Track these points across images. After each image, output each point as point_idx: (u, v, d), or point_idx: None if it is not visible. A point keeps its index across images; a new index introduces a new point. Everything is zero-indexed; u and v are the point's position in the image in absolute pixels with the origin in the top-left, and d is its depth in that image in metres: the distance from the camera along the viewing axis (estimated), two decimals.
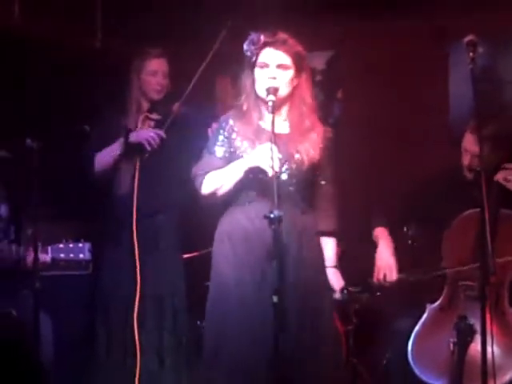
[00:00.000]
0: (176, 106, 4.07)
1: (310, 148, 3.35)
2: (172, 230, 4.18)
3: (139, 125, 4.13)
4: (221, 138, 3.37)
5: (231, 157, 3.34)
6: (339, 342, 3.47)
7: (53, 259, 3.59)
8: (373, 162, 5.00)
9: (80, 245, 3.60)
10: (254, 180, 3.27)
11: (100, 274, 4.12)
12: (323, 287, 3.41)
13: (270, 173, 3.12)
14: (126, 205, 4.02)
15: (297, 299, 3.23)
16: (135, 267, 3.97)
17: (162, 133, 4.00)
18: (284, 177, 3.30)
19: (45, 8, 4.60)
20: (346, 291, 3.64)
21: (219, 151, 3.36)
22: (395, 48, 5.04)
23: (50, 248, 3.59)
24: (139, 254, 4.00)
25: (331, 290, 3.50)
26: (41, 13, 4.60)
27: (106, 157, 4.06)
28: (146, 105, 4.18)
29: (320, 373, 3.27)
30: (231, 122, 3.37)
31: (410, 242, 4.34)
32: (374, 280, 3.90)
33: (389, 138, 4.99)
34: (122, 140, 4.00)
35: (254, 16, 4.59)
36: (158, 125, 4.13)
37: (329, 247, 3.50)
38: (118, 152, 4.02)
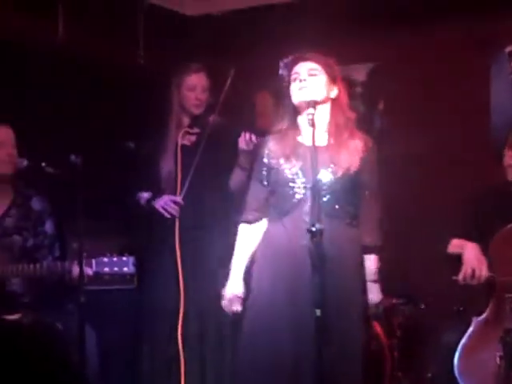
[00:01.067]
0: (211, 119, 4.10)
1: (348, 158, 3.34)
2: (216, 243, 4.16)
3: (179, 140, 4.16)
4: (261, 162, 3.40)
5: (269, 180, 3.37)
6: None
7: (96, 273, 3.59)
8: (416, 175, 4.96)
9: (124, 258, 3.60)
10: (285, 193, 3.29)
11: (144, 288, 4.15)
12: (357, 301, 3.37)
13: None
14: (169, 219, 4.07)
15: (332, 313, 3.19)
16: (179, 281, 4.00)
17: (178, 199, 4.05)
18: (321, 188, 3.29)
19: (88, 26, 4.67)
20: (381, 307, 3.54)
21: (263, 178, 3.39)
22: (436, 59, 5.01)
23: (94, 261, 3.59)
24: (183, 268, 4.03)
25: (365, 305, 3.44)
26: (84, 31, 4.67)
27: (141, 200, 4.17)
28: (186, 120, 4.21)
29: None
30: (270, 143, 3.40)
31: None
32: (460, 278, 3.67)
33: (430, 148, 4.95)
34: (144, 201, 4.12)
35: (293, 30, 4.63)
36: (199, 138, 4.16)
37: (369, 261, 3.45)
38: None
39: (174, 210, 4.05)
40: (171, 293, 4.01)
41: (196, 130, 4.19)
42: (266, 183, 3.39)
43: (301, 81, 3.29)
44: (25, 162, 3.75)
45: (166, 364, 4.03)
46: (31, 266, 3.63)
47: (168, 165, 4.13)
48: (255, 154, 3.66)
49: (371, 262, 3.45)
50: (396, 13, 4.93)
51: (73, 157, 3.39)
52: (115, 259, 3.60)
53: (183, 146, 4.16)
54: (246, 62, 5.17)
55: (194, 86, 4.16)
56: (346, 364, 3.23)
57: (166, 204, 4.05)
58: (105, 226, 4.34)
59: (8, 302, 3.70)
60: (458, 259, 3.73)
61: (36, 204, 3.91)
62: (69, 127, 4.37)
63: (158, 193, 4.14)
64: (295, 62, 3.35)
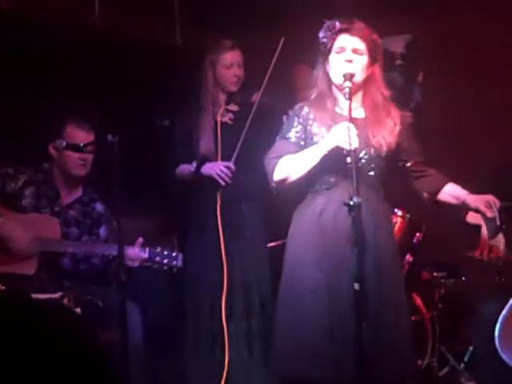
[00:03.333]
0: (255, 97, 4.10)
1: (387, 135, 3.34)
2: (258, 219, 4.21)
3: (218, 118, 4.17)
4: (295, 124, 3.36)
5: (306, 144, 3.33)
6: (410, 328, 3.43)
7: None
8: (457, 145, 4.91)
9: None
10: (332, 166, 3.25)
11: (187, 264, 4.15)
12: (398, 276, 3.39)
13: (347, 147, 3.10)
14: (211, 194, 4.11)
15: (375, 286, 3.22)
16: (221, 256, 4.04)
17: (231, 164, 4.04)
18: (363, 162, 3.30)
19: (124, 5, 4.68)
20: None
21: (293, 137, 3.35)
22: (477, 30, 4.92)
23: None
24: (225, 243, 4.06)
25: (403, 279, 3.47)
26: (120, 10, 4.68)
27: (184, 173, 4.16)
28: (223, 97, 4.21)
29: (397, 360, 3.25)
30: (306, 109, 3.36)
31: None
32: (477, 254, 3.69)
33: (473, 119, 4.89)
34: (193, 169, 4.08)
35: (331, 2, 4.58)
36: (238, 116, 4.18)
37: (454, 188, 3.46)
38: (189, 179, 4.11)
39: (228, 176, 4.04)
40: (214, 267, 4.06)
41: (234, 108, 4.21)
42: (294, 142, 3.34)
43: (346, 61, 3.26)
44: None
45: (210, 338, 4.08)
46: (87, 244, 3.82)
47: (207, 142, 4.15)
48: None
49: (454, 188, 3.46)
50: None
51: (109, 136, 3.43)
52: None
53: (223, 123, 4.18)
54: (283, 35, 5.15)
55: (231, 64, 4.17)
56: (389, 338, 3.23)
57: (221, 171, 4.03)
58: (143, 204, 4.38)
59: (58, 280, 3.82)
60: (476, 230, 3.67)
61: (99, 207, 4.03)
62: (105, 107, 4.40)
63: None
64: (340, 32, 3.29)
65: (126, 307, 3.29)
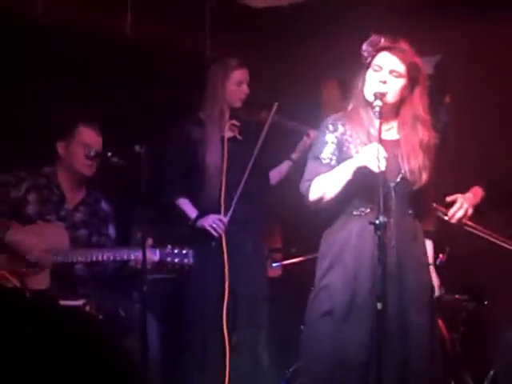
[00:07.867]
0: (264, 114, 4.18)
1: (417, 159, 3.29)
2: (259, 237, 4.36)
3: (225, 133, 4.23)
4: (329, 143, 3.30)
5: (339, 164, 3.27)
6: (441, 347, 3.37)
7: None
8: (485, 167, 4.89)
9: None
10: (366, 191, 3.20)
11: (191, 277, 4.18)
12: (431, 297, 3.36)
13: (376, 169, 3.07)
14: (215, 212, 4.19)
15: (398, 306, 3.19)
16: (224, 269, 4.12)
17: (224, 218, 4.14)
18: (395, 185, 3.26)
19: (156, 19, 4.71)
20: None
21: (326, 158, 3.30)
22: (507, 50, 4.91)
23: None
24: (228, 257, 4.14)
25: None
26: (152, 24, 4.72)
27: (182, 211, 4.26)
28: (227, 112, 4.28)
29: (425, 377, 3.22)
30: (341, 128, 3.30)
31: None
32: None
33: (501, 140, 4.87)
34: (190, 222, 4.21)
35: (360, 20, 4.59)
36: (241, 131, 4.28)
37: (428, 246, 3.50)
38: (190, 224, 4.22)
39: (221, 229, 4.15)
40: (217, 280, 4.12)
41: (237, 123, 4.29)
42: (327, 163, 3.28)
43: (380, 81, 3.22)
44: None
45: (214, 349, 4.12)
46: (98, 250, 3.78)
47: (214, 156, 4.20)
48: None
49: (430, 247, 3.43)
50: (465, 2, 4.85)
51: (137, 147, 3.44)
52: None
53: (228, 138, 4.24)
54: (311, 49, 5.16)
55: (240, 82, 4.27)
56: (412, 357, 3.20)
57: (214, 223, 4.15)
58: (162, 214, 4.40)
59: (73, 287, 3.81)
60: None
61: (105, 205, 4.05)
62: (133, 117, 4.42)
63: (201, 183, 4.23)
64: (381, 49, 3.24)
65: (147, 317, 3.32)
